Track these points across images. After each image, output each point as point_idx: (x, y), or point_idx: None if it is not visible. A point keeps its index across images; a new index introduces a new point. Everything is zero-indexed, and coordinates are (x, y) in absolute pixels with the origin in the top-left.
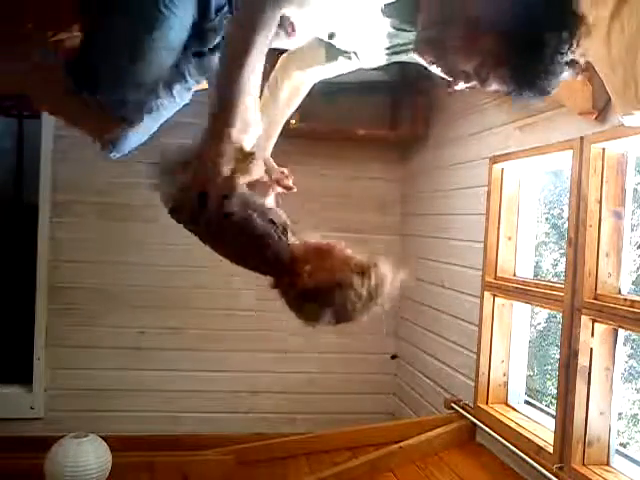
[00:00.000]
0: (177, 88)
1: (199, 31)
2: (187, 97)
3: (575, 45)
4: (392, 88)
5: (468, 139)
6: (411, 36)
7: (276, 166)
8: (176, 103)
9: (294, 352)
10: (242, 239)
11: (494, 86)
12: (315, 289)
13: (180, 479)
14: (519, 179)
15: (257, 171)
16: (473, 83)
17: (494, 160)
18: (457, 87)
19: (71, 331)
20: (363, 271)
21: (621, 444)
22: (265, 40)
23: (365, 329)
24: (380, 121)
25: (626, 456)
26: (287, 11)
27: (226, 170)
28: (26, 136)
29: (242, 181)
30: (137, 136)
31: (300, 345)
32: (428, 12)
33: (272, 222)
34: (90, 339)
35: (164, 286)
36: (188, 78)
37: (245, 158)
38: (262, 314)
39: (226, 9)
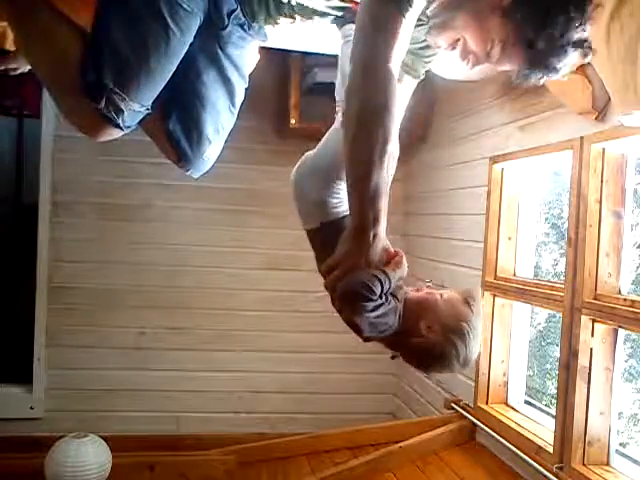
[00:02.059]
0: (236, 103)
1: (216, 37)
2: (240, 102)
3: (584, 23)
4: None
5: (468, 139)
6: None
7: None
8: (234, 116)
9: (294, 352)
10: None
11: (506, 65)
12: (441, 341)
13: (180, 479)
14: (519, 179)
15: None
16: (485, 64)
17: (494, 160)
18: (472, 69)
19: (71, 331)
20: (470, 308)
21: (621, 444)
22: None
23: None
24: None
25: (626, 456)
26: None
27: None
28: (26, 136)
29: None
30: (214, 157)
31: (300, 345)
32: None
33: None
34: (90, 339)
35: (164, 286)
36: (235, 90)
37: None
38: (262, 314)
39: (238, 11)
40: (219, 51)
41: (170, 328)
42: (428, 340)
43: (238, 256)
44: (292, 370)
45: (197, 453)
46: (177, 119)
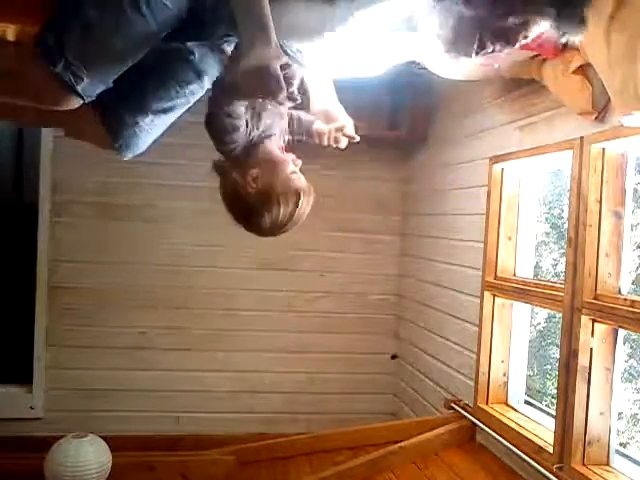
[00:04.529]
0: (193, 87)
1: (198, 24)
2: (199, 94)
3: None
4: (392, 88)
5: (468, 139)
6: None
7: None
8: (189, 101)
9: (294, 352)
10: None
11: (534, 29)
12: (250, 195)
13: (180, 479)
14: (519, 179)
15: None
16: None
17: (494, 160)
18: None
19: (71, 331)
20: (296, 197)
21: (621, 444)
22: None
23: (365, 329)
24: (380, 121)
25: (626, 456)
26: None
27: None
28: (26, 136)
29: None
30: (149, 135)
31: (300, 345)
32: None
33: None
34: (90, 339)
35: (164, 286)
36: (204, 76)
37: None
38: (262, 314)
39: (221, 12)
40: (186, 51)
41: (170, 328)
42: (245, 185)
43: (238, 256)
44: (292, 370)
45: (197, 453)
46: (118, 101)
